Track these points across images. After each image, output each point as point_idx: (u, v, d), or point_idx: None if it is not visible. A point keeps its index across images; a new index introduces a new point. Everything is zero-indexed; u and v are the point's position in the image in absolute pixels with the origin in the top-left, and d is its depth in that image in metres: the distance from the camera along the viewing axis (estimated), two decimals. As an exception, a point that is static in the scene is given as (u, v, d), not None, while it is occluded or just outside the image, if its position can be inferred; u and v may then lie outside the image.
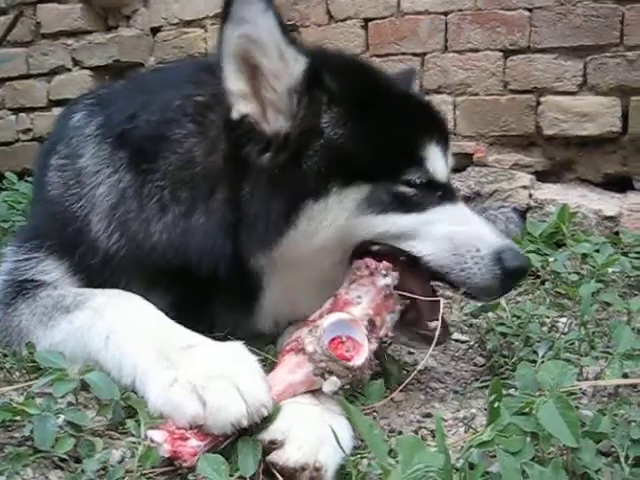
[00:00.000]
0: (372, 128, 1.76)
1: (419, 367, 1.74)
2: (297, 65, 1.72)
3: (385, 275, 1.67)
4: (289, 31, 1.73)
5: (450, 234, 1.75)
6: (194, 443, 1.30)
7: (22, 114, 5.33)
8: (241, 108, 1.73)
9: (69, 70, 5.13)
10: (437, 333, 1.70)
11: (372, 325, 1.60)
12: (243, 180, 1.74)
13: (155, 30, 4.93)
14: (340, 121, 1.75)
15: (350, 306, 1.62)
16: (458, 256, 1.73)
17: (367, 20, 4.24)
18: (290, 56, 1.71)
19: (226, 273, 1.77)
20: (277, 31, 1.68)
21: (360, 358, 1.50)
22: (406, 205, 1.75)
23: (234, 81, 1.72)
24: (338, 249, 1.77)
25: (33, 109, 5.28)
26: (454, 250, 1.73)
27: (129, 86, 2.25)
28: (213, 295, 1.84)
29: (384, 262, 1.70)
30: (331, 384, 1.47)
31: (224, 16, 1.66)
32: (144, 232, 1.83)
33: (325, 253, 1.76)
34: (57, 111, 4.92)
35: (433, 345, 1.71)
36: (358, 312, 1.60)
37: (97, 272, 1.91)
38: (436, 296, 1.82)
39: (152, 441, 1.29)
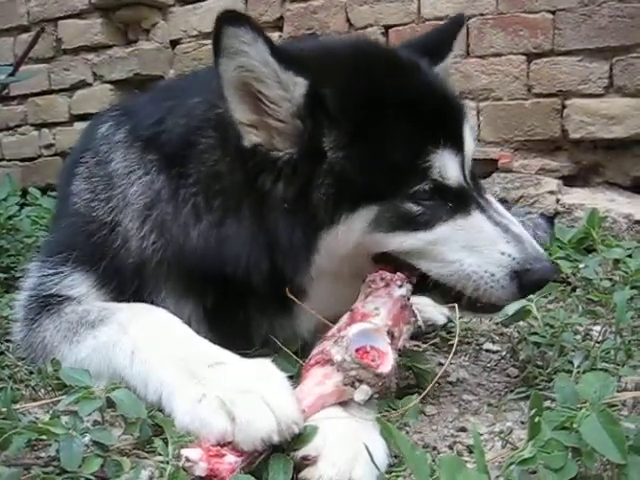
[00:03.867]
0: (370, 147, 1.71)
1: (442, 371, 1.71)
2: (297, 89, 1.68)
3: (401, 286, 1.65)
4: (284, 54, 1.68)
5: (461, 259, 1.70)
6: (231, 459, 1.26)
7: (44, 129, 5.39)
8: (252, 138, 1.73)
9: (90, 85, 5.17)
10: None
11: (391, 336, 1.56)
12: (264, 207, 1.74)
13: (174, 43, 4.97)
14: (340, 143, 1.71)
15: (369, 318, 1.59)
16: (471, 281, 1.69)
17: (387, 27, 4.22)
18: (289, 81, 1.68)
19: (263, 286, 1.76)
20: (271, 59, 1.65)
21: (387, 366, 1.48)
22: (413, 223, 1.71)
23: (241, 112, 1.71)
24: (361, 256, 1.76)
25: (55, 124, 5.32)
26: (467, 276, 1.69)
27: (154, 94, 2.24)
28: (249, 299, 1.82)
29: (399, 273, 1.68)
30: (362, 393, 1.44)
31: (216, 50, 1.64)
32: (184, 236, 1.82)
33: (352, 261, 1.76)
34: (79, 126, 4.97)
35: None
36: (378, 322, 1.57)
37: (128, 278, 1.89)
38: None
39: (187, 460, 1.24)
